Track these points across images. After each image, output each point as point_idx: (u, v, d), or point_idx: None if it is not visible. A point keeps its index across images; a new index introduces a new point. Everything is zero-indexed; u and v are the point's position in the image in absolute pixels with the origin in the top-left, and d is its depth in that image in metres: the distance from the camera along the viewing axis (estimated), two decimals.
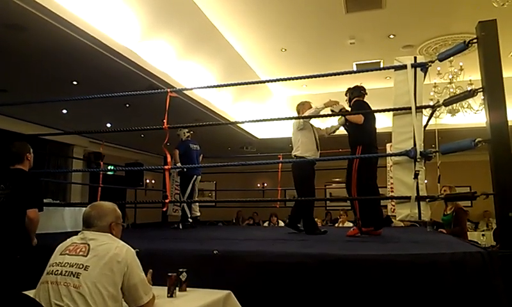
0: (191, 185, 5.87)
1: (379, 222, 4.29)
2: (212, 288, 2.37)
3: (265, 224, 9.01)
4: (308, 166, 4.61)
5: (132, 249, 1.96)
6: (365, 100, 4.41)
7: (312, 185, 4.66)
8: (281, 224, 8.41)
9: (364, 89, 4.42)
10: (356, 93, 4.37)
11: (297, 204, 4.72)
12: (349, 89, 4.47)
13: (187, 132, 6.10)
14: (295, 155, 4.64)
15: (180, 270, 2.33)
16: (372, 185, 4.18)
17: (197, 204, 6.24)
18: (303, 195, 4.52)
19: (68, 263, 1.85)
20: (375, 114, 4.34)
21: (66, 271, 1.82)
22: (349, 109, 4.41)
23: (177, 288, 2.26)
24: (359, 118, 4.06)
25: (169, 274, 2.23)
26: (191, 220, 5.91)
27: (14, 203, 2.95)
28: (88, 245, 1.89)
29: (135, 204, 9.10)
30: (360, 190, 4.03)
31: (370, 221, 4.09)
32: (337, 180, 10.55)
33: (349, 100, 4.43)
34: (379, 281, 2.40)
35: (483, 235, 8.20)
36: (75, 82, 6.09)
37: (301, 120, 4.60)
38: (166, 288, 2.22)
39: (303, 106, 4.86)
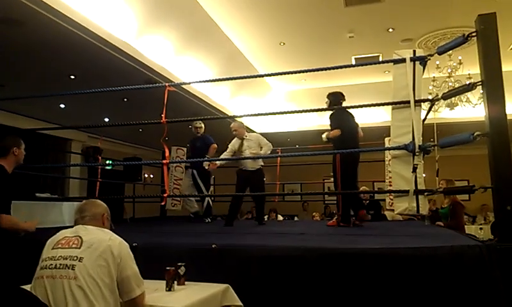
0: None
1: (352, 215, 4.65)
2: (210, 282, 2.38)
3: (265, 218, 9.01)
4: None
5: (125, 242, 1.96)
6: (345, 106, 4.77)
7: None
8: (280, 218, 8.43)
9: (343, 96, 4.70)
10: (336, 100, 4.64)
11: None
12: (329, 94, 4.73)
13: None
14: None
15: (179, 264, 2.33)
16: (354, 184, 4.55)
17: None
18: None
19: (61, 256, 1.85)
20: (354, 116, 4.75)
21: (60, 264, 1.82)
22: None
23: (175, 282, 2.26)
24: (337, 133, 4.44)
25: (168, 268, 2.24)
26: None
27: None
28: (80, 237, 1.91)
29: (133, 198, 9.09)
30: (345, 187, 4.38)
31: (347, 218, 4.47)
32: None
33: (329, 104, 4.71)
34: (378, 274, 2.41)
35: (481, 228, 8.22)
36: (72, 76, 6.06)
37: None
38: (165, 282, 2.22)
39: None
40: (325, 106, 4.65)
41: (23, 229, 2.99)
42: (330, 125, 4.60)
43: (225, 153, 5.34)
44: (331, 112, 4.69)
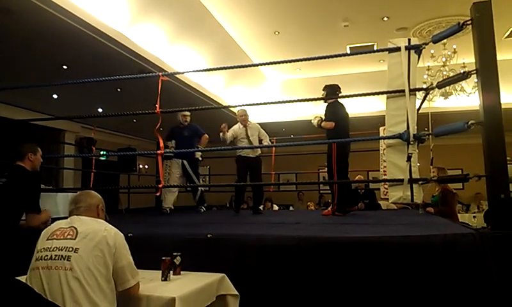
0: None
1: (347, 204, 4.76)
2: (206, 272, 2.38)
3: (260, 208, 9.03)
4: None
5: (121, 233, 1.96)
6: (341, 95, 4.70)
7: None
8: (276, 208, 8.45)
9: (339, 88, 4.69)
10: (333, 92, 4.65)
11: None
12: (326, 86, 4.72)
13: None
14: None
15: (174, 254, 2.33)
16: (346, 173, 4.65)
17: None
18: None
19: (56, 247, 1.85)
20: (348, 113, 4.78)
21: (56, 255, 1.82)
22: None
23: (171, 272, 2.26)
24: (330, 125, 4.47)
25: (163, 258, 2.24)
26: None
27: (4, 194, 3.13)
28: (75, 228, 1.91)
29: (128, 189, 9.06)
30: (340, 177, 4.43)
31: (342, 207, 4.56)
32: None
33: (326, 96, 4.72)
34: (373, 263, 2.43)
35: (474, 217, 8.32)
36: (65, 66, 6.00)
37: None
38: (160, 272, 2.22)
39: None
40: (320, 96, 4.65)
41: (44, 222, 3.17)
42: (325, 115, 4.62)
43: (228, 137, 5.45)
44: (326, 102, 4.71)
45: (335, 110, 4.58)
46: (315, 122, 4.64)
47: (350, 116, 4.80)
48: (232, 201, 5.94)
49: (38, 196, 3.34)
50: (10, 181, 3.25)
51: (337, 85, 4.72)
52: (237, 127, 5.54)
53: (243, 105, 4.38)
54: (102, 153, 8.51)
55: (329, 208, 4.81)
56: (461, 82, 6.70)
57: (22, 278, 1.87)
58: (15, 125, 5.24)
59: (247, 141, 5.40)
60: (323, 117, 4.61)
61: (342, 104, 4.71)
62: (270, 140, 6.01)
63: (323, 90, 4.73)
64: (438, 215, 4.67)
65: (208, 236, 2.78)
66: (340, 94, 4.68)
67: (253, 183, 5.54)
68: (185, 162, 5.77)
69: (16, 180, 3.23)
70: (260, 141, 5.52)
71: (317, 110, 5.20)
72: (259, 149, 5.53)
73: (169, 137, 5.81)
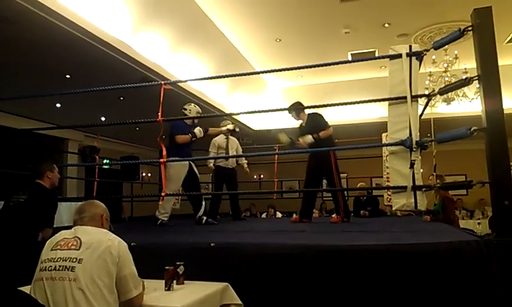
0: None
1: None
2: (209, 281, 2.37)
3: (263, 215, 9.02)
4: None
5: (124, 242, 1.96)
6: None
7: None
8: (279, 215, 8.43)
9: (301, 104, 4.74)
10: (299, 109, 4.75)
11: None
12: (292, 106, 4.69)
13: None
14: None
15: (177, 263, 2.33)
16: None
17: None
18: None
19: (60, 257, 1.84)
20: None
21: (60, 266, 1.82)
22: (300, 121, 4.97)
23: (174, 281, 2.26)
24: (330, 132, 4.64)
25: (167, 268, 2.23)
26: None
27: (24, 210, 3.35)
28: (79, 239, 1.90)
29: (131, 198, 9.08)
30: (339, 184, 4.66)
31: (348, 213, 4.82)
32: None
33: (296, 114, 4.86)
34: (377, 271, 2.41)
35: (479, 223, 8.25)
36: (68, 76, 6.03)
37: None
38: (163, 281, 2.21)
39: None
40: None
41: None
42: (311, 126, 4.68)
43: (211, 150, 5.69)
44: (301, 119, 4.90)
45: (320, 117, 4.75)
46: (310, 141, 4.55)
47: (352, 122, 4.84)
48: (237, 208, 5.97)
49: (55, 212, 3.59)
50: (30, 198, 3.45)
51: (298, 102, 4.76)
52: (220, 138, 5.74)
53: (246, 113, 4.38)
54: (105, 161, 8.53)
55: (336, 216, 4.84)
56: (463, 88, 6.69)
57: (26, 289, 1.87)
58: (18, 134, 5.26)
59: (225, 152, 5.65)
60: (310, 136, 4.57)
61: (316, 113, 4.87)
62: (273, 147, 6.10)
63: (291, 110, 4.68)
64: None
65: (212, 245, 2.77)
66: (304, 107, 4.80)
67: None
68: (193, 164, 5.26)
69: (36, 197, 3.45)
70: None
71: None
72: (235, 161, 5.79)
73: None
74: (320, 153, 4.60)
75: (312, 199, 5.08)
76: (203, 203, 5.25)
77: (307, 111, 4.93)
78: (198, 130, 4.89)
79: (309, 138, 4.57)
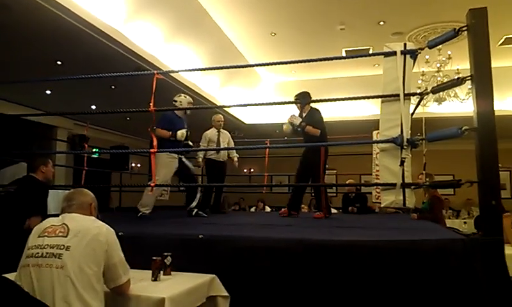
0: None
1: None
2: (197, 273, 2.36)
3: (252, 209, 9.04)
4: None
5: (112, 229, 1.95)
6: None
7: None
8: (268, 209, 8.45)
9: (310, 96, 4.75)
10: (306, 100, 4.72)
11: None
12: (299, 94, 4.78)
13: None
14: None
15: (165, 254, 2.31)
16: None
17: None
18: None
19: (48, 244, 1.82)
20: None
21: (47, 253, 1.80)
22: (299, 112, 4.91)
23: (161, 272, 2.25)
24: (316, 132, 4.58)
25: (154, 258, 2.22)
26: None
27: (13, 200, 3.41)
28: (67, 226, 1.88)
29: (120, 187, 9.01)
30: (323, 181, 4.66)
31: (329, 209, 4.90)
32: None
33: (301, 106, 4.83)
34: (364, 266, 2.42)
35: (465, 222, 8.35)
36: (59, 62, 5.95)
37: None
38: (151, 271, 2.20)
39: None
40: (314, 98, 4.67)
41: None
42: (306, 120, 4.68)
43: (202, 143, 5.69)
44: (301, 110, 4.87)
45: (318, 118, 4.73)
46: (297, 122, 4.63)
47: (344, 119, 4.86)
48: (219, 202, 5.98)
49: (45, 202, 3.67)
50: (20, 188, 3.54)
51: (308, 92, 4.78)
52: (210, 132, 5.78)
53: (238, 106, 4.34)
54: (94, 150, 8.45)
55: (319, 212, 4.85)
56: (454, 88, 6.74)
57: (12, 276, 1.85)
58: (7, 120, 5.19)
59: (215, 146, 5.67)
60: (300, 119, 4.67)
61: (318, 110, 4.84)
62: (264, 141, 6.09)
63: (296, 97, 4.77)
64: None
65: (200, 236, 2.77)
66: (311, 100, 4.79)
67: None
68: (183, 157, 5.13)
69: (25, 187, 3.53)
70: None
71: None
72: (226, 155, 5.83)
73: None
74: (311, 152, 4.67)
75: (300, 192, 5.12)
76: (198, 195, 5.11)
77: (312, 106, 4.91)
78: (180, 134, 4.68)
79: (298, 119, 4.66)
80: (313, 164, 4.65)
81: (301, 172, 4.86)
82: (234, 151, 5.97)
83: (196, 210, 4.96)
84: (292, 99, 4.79)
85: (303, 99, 4.69)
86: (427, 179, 4.81)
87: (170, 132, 4.67)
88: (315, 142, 4.58)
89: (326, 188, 4.98)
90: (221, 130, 5.81)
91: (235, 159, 5.94)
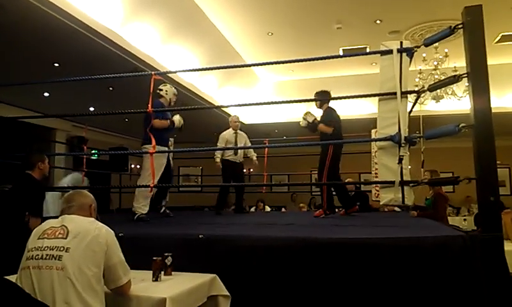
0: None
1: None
2: (197, 272, 2.37)
3: (252, 209, 9.04)
4: None
5: (111, 230, 1.96)
6: (333, 97, 4.77)
7: None
8: (268, 209, 8.45)
9: (330, 94, 4.76)
10: (325, 98, 4.71)
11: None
12: (318, 93, 4.77)
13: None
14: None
15: (165, 254, 2.32)
16: (338, 176, 4.80)
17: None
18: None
19: (48, 246, 1.83)
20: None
21: (47, 255, 1.80)
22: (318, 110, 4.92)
23: (162, 272, 2.25)
24: (329, 130, 4.56)
25: (154, 258, 2.22)
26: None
27: (10, 199, 3.38)
28: (66, 227, 1.89)
29: (120, 189, 9.00)
30: (329, 180, 4.60)
31: (332, 207, 4.77)
32: None
33: (320, 104, 4.81)
34: (363, 264, 2.44)
35: (465, 219, 8.38)
36: (56, 64, 5.94)
37: None
38: (151, 272, 2.21)
39: None
40: (312, 97, 4.67)
41: None
42: (322, 118, 4.70)
43: (220, 144, 5.75)
44: (320, 108, 4.86)
45: (333, 116, 4.71)
46: (310, 119, 4.64)
47: (342, 118, 4.85)
48: (241, 202, 6.07)
49: (42, 202, 3.56)
50: (17, 187, 3.49)
51: (328, 91, 4.79)
52: (228, 132, 5.84)
53: (236, 106, 4.33)
54: (93, 152, 8.45)
55: (320, 210, 4.85)
56: (452, 86, 6.77)
57: (13, 278, 1.85)
58: (4, 122, 5.18)
59: (234, 146, 5.72)
60: (316, 117, 4.67)
61: (334, 109, 4.81)
62: (263, 141, 6.11)
63: (315, 95, 4.76)
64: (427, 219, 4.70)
65: (200, 236, 2.77)
66: (330, 98, 4.74)
67: (237, 184, 5.78)
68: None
69: (22, 186, 3.46)
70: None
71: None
72: (242, 155, 5.86)
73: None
74: (322, 150, 4.70)
75: (329, 190, 4.81)
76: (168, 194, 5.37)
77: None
78: (177, 120, 4.61)
79: (312, 117, 4.66)
80: (320, 161, 4.68)
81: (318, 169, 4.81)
82: (252, 150, 6.03)
83: (164, 209, 5.08)
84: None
85: (321, 97, 4.71)
86: (432, 176, 4.84)
87: (168, 121, 4.55)
88: (327, 140, 4.58)
89: (339, 186, 4.90)
90: (238, 131, 5.86)
91: (254, 158, 6.04)
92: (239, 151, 5.76)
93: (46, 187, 3.91)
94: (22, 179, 3.53)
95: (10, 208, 3.30)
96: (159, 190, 5.03)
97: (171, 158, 4.99)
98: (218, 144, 5.77)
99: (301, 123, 4.77)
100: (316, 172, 4.81)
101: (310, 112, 4.74)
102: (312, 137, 5.48)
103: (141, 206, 4.43)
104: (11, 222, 3.21)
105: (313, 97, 4.68)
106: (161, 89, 4.75)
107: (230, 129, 5.86)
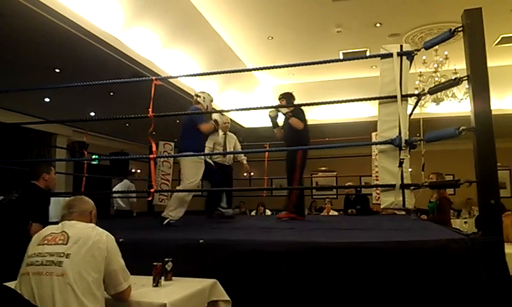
0: None
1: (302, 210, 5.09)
2: (198, 277, 2.36)
3: (253, 213, 9.03)
4: None
5: (111, 235, 1.95)
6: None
7: None
8: (268, 213, 8.44)
9: (293, 96, 4.90)
10: (291, 100, 4.83)
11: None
12: (283, 95, 4.92)
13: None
14: None
15: (166, 259, 2.31)
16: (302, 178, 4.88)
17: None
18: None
19: (48, 252, 1.83)
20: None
21: (47, 261, 1.80)
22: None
23: (163, 278, 2.24)
24: (300, 125, 4.62)
25: (155, 264, 2.21)
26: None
27: (15, 208, 3.37)
28: (67, 233, 1.89)
29: (120, 194, 8.99)
30: (299, 182, 4.71)
31: (299, 209, 4.86)
32: (323, 168, 10.63)
33: (286, 103, 4.86)
34: (365, 268, 2.42)
35: (465, 222, 8.36)
36: (57, 70, 5.96)
37: None
38: (152, 277, 2.20)
39: None
40: (312, 100, 4.67)
41: None
42: (291, 112, 4.73)
43: (207, 145, 5.47)
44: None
45: (302, 112, 4.76)
46: (282, 111, 4.69)
47: (342, 121, 4.88)
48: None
49: (47, 210, 3.61)
50: (22, 196, 3.49)
51: (291, 92, 4.92)
52: (217, 134, 5.63)
53: (237, 110, 4.30)
54: (94, 157, 8.45)
55: (285, 212, 4.93)
56: (452, 88, 6.76)
57: (12, 284, 1.85)
58: (6, 128, 5.19)
59: (222, 149, 5.54)
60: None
61: (303, 110, 4.89)
62: (263, 145, 6.07)
63: (281, 97, 4.88)
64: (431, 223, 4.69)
65: (201, 241, 2.77)
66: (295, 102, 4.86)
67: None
68: None
69: (27, 195, 3.49)
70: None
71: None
72: (232, 158, 5.74)
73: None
74: (288, 151, 4.77)
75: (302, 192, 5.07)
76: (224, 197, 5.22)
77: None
78: (218, 117, 4.69)
79: (281, 111, 4.73)
80: (289, 162, 4.75)
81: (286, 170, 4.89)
82: (242, 154, 5.91)
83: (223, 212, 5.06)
84: (292, 102, 4.83)
85: (287, 99, 4.82)
86: (438, 178, 4.85)
87: (212, 123, 4.65)
88: (297, 139, 4.60)
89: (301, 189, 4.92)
90: (228, 133, 5.71)
91: (245, 162, 5.89)
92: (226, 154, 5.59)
93: (50, 193, 3.90)
94: (27, 189, 3.58)
95: (14, 217, 3.32)
96: (213, 195, 5.14)
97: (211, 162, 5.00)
98: (206, 144, 5.42)
99: (269, 112, 4.81)
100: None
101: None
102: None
103: (174, 212, 4.38)
104: (14, 230, 3.23)
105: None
106: (199, 96, 4.76)
107: (219, 131, 5.61)
